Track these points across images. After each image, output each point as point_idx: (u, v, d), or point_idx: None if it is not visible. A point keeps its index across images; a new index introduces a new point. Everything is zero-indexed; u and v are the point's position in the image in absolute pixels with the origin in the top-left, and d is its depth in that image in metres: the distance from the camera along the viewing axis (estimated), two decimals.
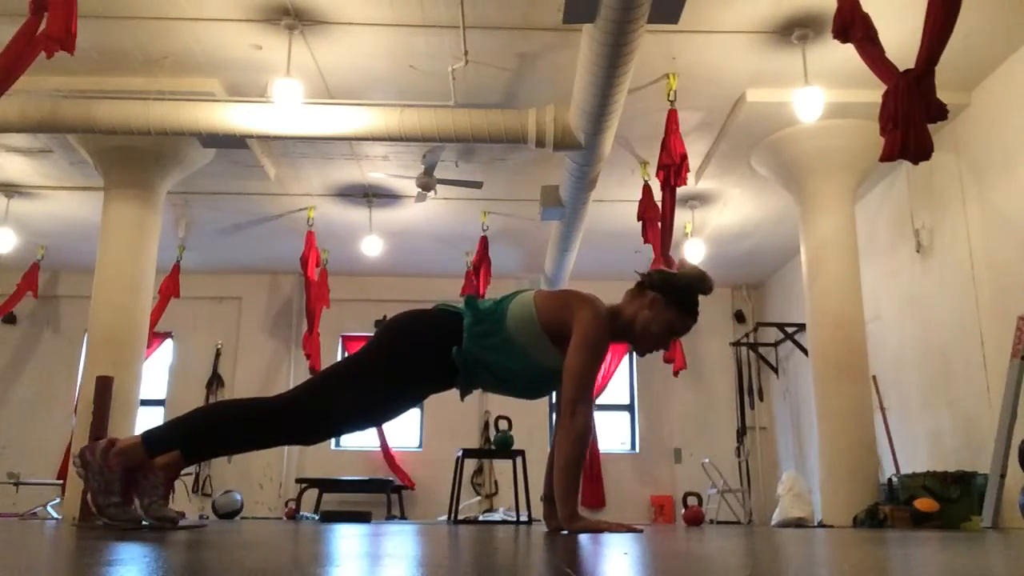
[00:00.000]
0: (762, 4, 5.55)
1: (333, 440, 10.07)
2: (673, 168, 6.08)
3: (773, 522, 7.88)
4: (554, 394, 2.88)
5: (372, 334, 2.62)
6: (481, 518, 8.85)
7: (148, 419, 9.96)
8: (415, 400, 2.67)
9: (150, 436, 2.46)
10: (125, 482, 2.40)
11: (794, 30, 5.80)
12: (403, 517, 9.51)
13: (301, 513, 8.93)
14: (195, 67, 6.34)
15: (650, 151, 7.17)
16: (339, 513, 8.17)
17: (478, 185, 7.75)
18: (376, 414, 2.64)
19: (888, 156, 3.96)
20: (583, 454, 2.56)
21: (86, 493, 2.53)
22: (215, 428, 2.50)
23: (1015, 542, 2.44)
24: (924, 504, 5.89)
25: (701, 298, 2.70)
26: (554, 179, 7.71)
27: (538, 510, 4.03)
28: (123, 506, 2.39)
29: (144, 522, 2.40)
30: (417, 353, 2.58)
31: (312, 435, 2.50)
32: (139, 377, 7.27)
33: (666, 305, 2.65)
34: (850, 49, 4.30)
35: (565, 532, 2.57)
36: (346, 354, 11.02)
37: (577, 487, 2.55)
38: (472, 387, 2.65)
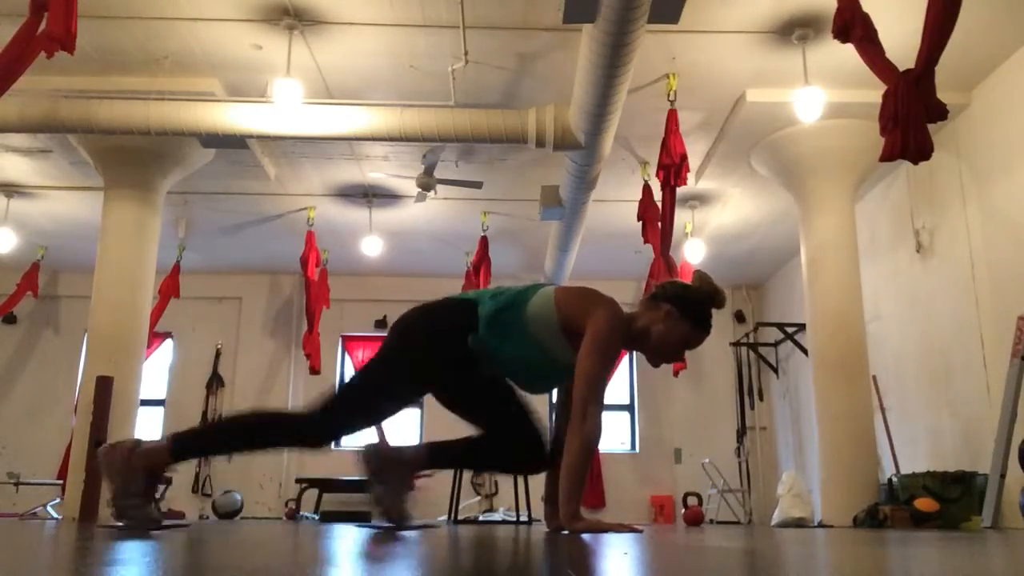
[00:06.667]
0: (762, 4, 5.55)
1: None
2: (673, 168, 6.08)
3: (773, 522, 7.88)
4: (555, 394, 2.89)
5: (383, 336, 2.72)
6: (481, 518, 8.85)
7: (148, 419, 9.97)
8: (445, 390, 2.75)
9: (178, 443, 2.52)
10: (146, 483, 2.45)
11: (794, 30, 5.80)
12: None
13: (301, 513, 8.92)
14: (195, 67, 6.34)
15: (650, 151, 7.17)
16: (339, 513, 8.17)
17: (478, 185, 7.75)
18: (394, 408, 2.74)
19: (888, 156, 3.96)
20: (591, 455, 2.57)
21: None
22: (243, 441, 2.61)
23: (1015, 542, 2.44)
24: (924, 504, 5.89)
25: None
26: (554, 179, 7.71)
27: (538, 510, 4.03)
28: (143, 507, 2.43)
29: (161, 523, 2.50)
30: (433, 347, 2.61)
31: (331, 439, 2.62)
32: (139, 377, 7.27)
33: (680, 318, 2.64)
34: (850, 49, 4.29)
35: (566, 532, 2.57)
36: (346, 355, 11.03)
37: (581, 488, 2.55)
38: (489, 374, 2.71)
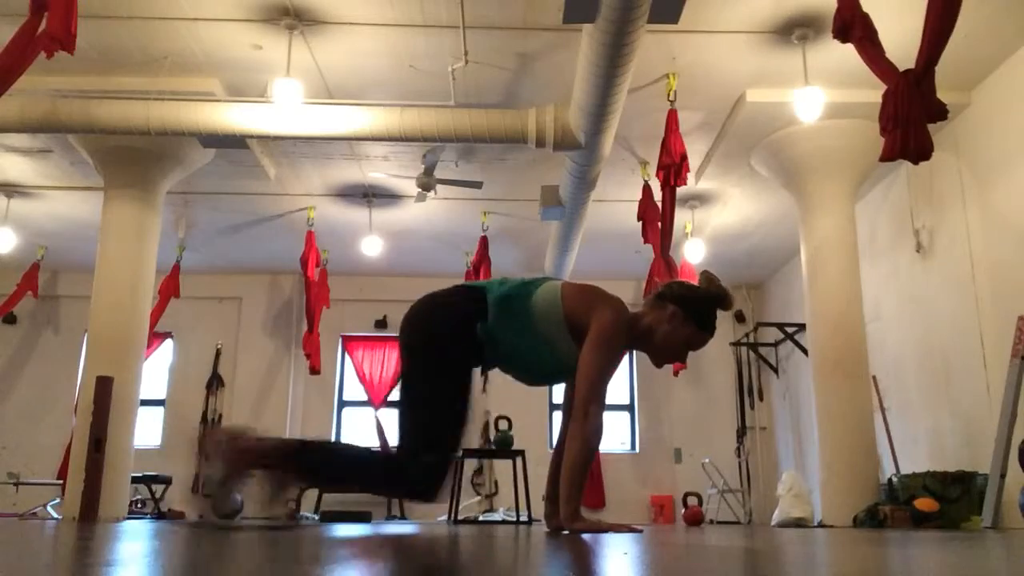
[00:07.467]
0: (762, 4, 5.55)
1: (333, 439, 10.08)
2: (673, 168, 6.08)
3: (773, 522, 7.88)
4: (556, 394, 2.88)
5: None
6: (481, 518, 8.85)
7: (148, 419, 9.97)
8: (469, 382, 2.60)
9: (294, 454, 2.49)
10: (225, 475, 2.49)
11: (794, 30, 5.80)
12: (403, 517, 9.51)
13: (301, 513, 8.92)
14: (195, 67, 6.34)
15: (650, 151, 7.17)
16: (339, 513, 8.18)
17: (478, 185, 7.75)
18: (464, 415, 2.55)
19: (888, 156, 3.96)
20: (592, 455, 2.55)
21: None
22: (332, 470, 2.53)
23: (1015, 542, 2.44)
24: (924, 504, 5.88)
25: None
26: (554, 179, 7.71)
27: (538, 510, 4.03)
28: (228, 497, 2.51)
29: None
30: (455, 339, 2.54)
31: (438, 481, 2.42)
32: (139, 377, 7.26)
33: (685, 320, 2.63)
34: (850, 49, 4.30)
35: (566, 532, 2.57)
36: (346, 355, 11.02)
37: (582, 487, 2.55)
38: (491, 365, 2.65)
